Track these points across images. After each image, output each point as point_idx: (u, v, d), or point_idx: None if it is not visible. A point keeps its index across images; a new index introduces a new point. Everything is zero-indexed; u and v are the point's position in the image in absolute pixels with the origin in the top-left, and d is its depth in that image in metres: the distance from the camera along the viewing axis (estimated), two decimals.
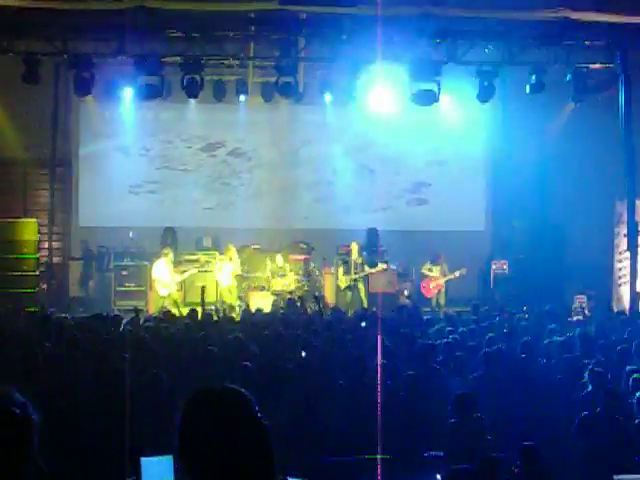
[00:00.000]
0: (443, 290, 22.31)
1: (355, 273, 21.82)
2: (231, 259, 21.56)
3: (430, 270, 22.39)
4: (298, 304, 19.03)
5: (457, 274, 22.18)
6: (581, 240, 23.62)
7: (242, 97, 23.90)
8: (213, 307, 20.04)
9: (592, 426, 7.91)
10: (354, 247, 22.07)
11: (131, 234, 23.85)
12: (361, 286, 21.83)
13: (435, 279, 22.25)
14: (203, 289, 19.73)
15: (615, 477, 5.56)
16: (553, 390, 10.20)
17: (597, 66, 21.29)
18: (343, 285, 21.96)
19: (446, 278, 22.22)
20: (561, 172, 25.83)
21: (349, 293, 21.93)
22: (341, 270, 21.98)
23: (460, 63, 21.19)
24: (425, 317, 17.81)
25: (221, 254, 22.43)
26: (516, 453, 7.14)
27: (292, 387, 10.06)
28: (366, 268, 21.79)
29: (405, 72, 21.38)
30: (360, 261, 21.88)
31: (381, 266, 22.18)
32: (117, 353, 11.26)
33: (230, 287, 21.56)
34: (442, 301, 22.23)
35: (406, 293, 22.24)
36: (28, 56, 20.07)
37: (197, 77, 20.66)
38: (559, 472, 7.46)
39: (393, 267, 23.27)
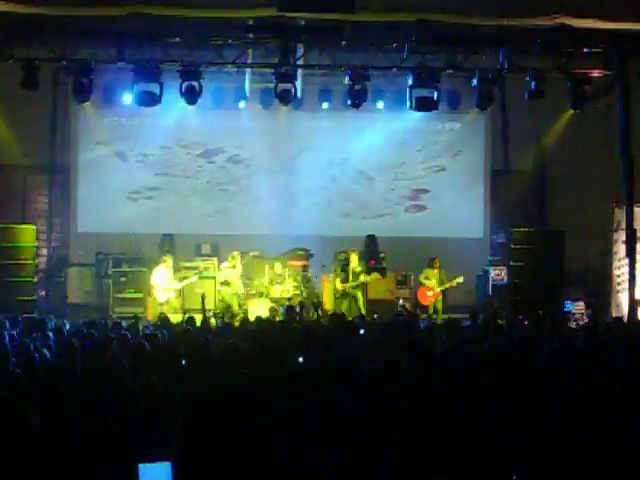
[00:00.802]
0: (440, 297, 22.19)
1: (352, 281, 21.73)
2: (234, 267, 21.54)
3: (427, 278, 22.22)
4: (298, 310, 19.01)
5: (454, 284, 22.05)
6: (580, 247, 23.60)
7: (241, 104, 23.98)
8: (212, 313, 20.03)
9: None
10: (353, 257, 21.98)
11: (133, 236, 23.91)
12: (359, 294, 21.75)
13: (432, 287, 22.05)
14: (203, 297, 19.67)
15: None
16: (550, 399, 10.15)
17: (596, 73, 21.32)
18: (339, 293, 21.88)
19: (443, 287, 22.06)
20: (560, 179, 25.87)
21: (345, 301, 21.84)
22: (339, 278, 21.91)
23: (459, 70, 21.22)
24: (422, 324, 17.78)
25: (220, 261, 22.43)
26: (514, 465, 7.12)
27: (290, 393, 10.03)
28: (361, 277, 21.69)
29: (404, 78, 21.42)
30: (358, 270, 21.78)
31: (374, 275, 22.11)
32: (115, 360, 11.24)
33: (238, 293, 21.57)
34: (439, 307, 22.10)
35: (401, 302, 22.17)
36: (27, 62, 20.09)
37: (196, 84, 20.69)
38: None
39: (392, 274, 23.28)
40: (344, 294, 21.76)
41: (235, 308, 21.17)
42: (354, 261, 21.83)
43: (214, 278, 22.17)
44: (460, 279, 22.00)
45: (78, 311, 22.58)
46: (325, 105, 24.21)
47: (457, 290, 23.54)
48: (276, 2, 18.11)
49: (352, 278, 21.71)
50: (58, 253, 25.02)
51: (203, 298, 19.32)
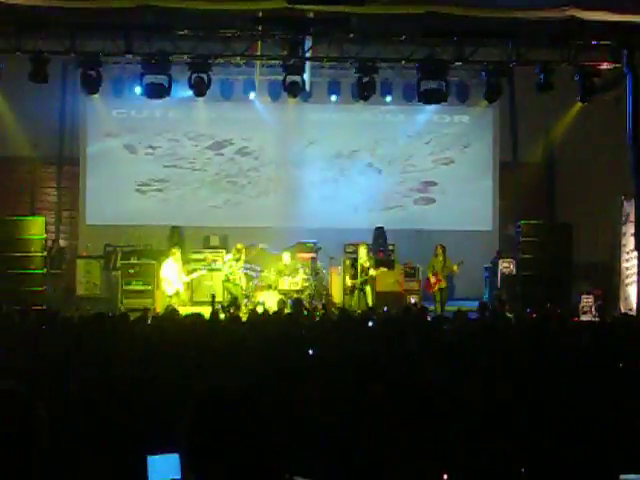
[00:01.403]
0: (445, 285, 22.10)
1: (361, 276, 21.63)
2: (238, 260, 21.50)
3: (432, 267, 22.17)
4: (306, 306, 19.02)
5: (453, 268, 21.99)
6: (588, 239, 23.58)
7: (250, 96, 23.99)
8: (219, 306, 20.02)
9: None
10: (362, 250, 21.91)
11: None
12: (367, 288, 21.70)
13: (436, 273, 22.03)
14: (213, 297, 19.65)
15: (622, 477, 5.55)
16: (557, 396, 10.13)
17: (604, 65, 21.25)
18: (348, 289, 21.82)
19: (444, 272, 21.99)
20: (568, 171, 25.83)
21: (354, 295, 21.78)
22: (348, 275, 21.87)
23: (468, 62, 21.18)
24: (431, 316, 17.76)
25: (228, 253, 22.41)
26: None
27: (299, 385, 10.05)
28: (370, 271, 21.62)
29: (412, 71, 21.41)
30: (367, 265, 21.73)
31: (381, 269, 22.09)
32: (124, 352, 11.27)
33: (242, 286, 21.52)
34: (444, 297, 22.01)
35: (413, 301, 22.18)
36: (36, 55, 20.10)
37: (205, 76, 20.70)
38: None
39: (400, 266, 23.27)
40: (353, 289, 21.73)
41: (241, 300, 21.13)
42: (362, 255, 21.79)
43: (222, 270, 22.17)
44: (460, 263, 21.92)
45: (86, 303, 22.61)
46: (333, 97, 24.22)
47: (466, 282, 23.58)
48: None
49: (360, 273, 21.67)
50: (57, 245, 25.05)
51: (213, 297, 19.33)
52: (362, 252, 21.80)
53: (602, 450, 6.10)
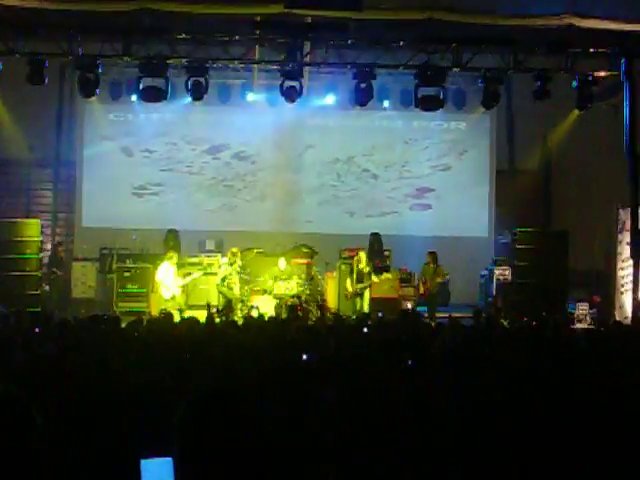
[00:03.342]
0: (434, 292, 22.10)
1: (362, 282, 21.53)
2: (233, 264, 21.42)
3: (423, 273, 22.21)
4: (300, 312, 18.99)
5: (439, 280, 22.03)
6: (584, 247, 23.58)
7: (247, 100, 24.00)
8: (215, 310, 19.98)
9: None
10: (362, 256, 21.81)
11: (134, 236, 23.81)
12: (365, 294, 21.68)
13: (425, 281, 22.05)
14: (208, 305, 19.65)
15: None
16: (553, 403, 10.11)
17: (602, 73, 21.27)
18: (350, 294, 21.72)
19: (434, 281, 21.98)
20: (565, 179, 25.86)
21: (355, 301, 21.70)
22: (349, 279, 21.77)
23: (465, 69, 21.20)
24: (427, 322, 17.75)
25: (224, 257, 22.37)
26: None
27: (292, 390, 10.03)
28: (372, 277, 21.56)
29: (410, 77, 21.42)
30: (367, 270, 21.66)
31: (386, 275, 22.06)
32: (119, 355, 11.25)
33: (235, 290, 21.47)
34: (433, 303, 21.99)
35: (409, 306, 22.18)
36: (33, 57, 20.09)
37: (202, 80, 20.70)
38: None
39: (396, 272, 23.24)
40: (355, 295, 21.66)
41: (235, 304, 21.07)
42: (363, 261, 21.68)
43: (217, 274, 22.13)
44: (446, 274, 22.06)
45: (81, 306, 22.60)
46: (331, 103, 24.23)
47: (461, 289, 23.57)
48: None
49: (361, 278, 21.61)
50: (58, 249, 25.01)
51: (208, 306, 19.31)
52: (363, 258, 21.63)
53: (599, 455, 6.09)
